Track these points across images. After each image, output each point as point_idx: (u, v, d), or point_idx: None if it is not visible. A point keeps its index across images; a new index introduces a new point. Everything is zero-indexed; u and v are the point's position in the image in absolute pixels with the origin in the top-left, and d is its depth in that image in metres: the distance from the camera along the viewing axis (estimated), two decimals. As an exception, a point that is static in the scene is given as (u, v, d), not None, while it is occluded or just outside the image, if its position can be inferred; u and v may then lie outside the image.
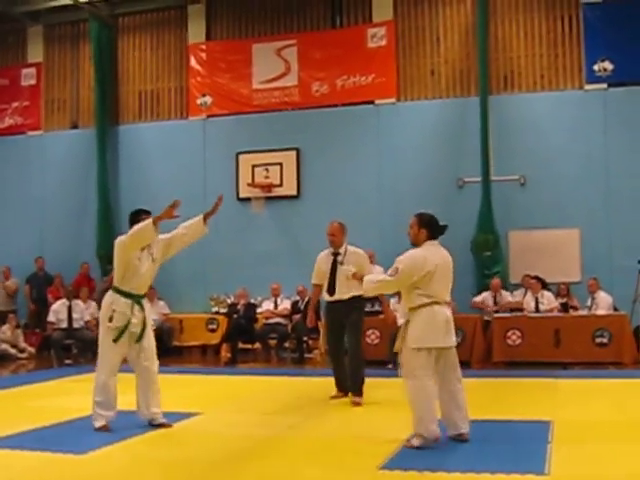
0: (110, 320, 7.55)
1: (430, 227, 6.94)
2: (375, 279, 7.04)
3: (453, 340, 6.94)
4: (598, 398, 9.42)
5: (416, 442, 6.62)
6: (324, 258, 9.54)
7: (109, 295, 7.75)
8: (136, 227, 7.41)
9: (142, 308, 7.70)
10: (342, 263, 9.23)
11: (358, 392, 9.22)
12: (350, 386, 9.35)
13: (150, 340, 7.79)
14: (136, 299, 7.68)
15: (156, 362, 7.84)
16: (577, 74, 15.82)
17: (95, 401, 7.64)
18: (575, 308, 14.09)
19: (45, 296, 17.27)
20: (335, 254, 9.40)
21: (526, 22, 16.12)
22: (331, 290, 9.37)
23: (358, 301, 9.34)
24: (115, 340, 7.56)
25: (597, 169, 15.42)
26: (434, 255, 6.83)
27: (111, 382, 7.67)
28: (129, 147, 18.23)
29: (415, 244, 7.00)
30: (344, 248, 9.43)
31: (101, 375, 7.67)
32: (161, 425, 7.67)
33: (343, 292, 9.24)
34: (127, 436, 7.28)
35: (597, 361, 12.75)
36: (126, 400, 9.46)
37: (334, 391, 9.62)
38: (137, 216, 7.71)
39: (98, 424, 7.57)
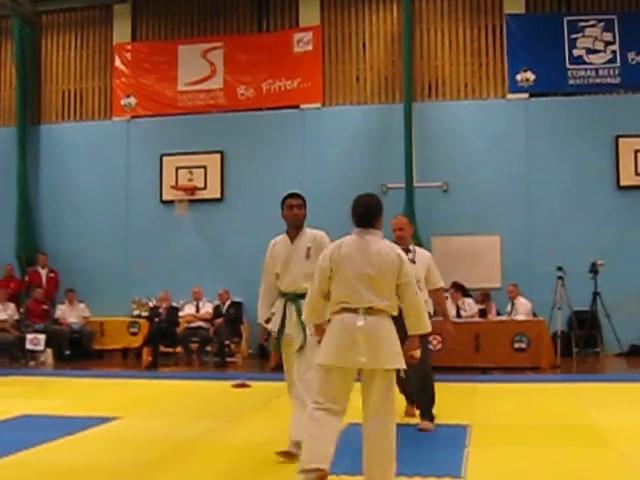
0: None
1: (352, 213, 5.44)
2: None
3: (368, 360, 5.11)
4: (515, 402, 9.56)
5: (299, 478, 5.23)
6: None
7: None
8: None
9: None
10: (414, 262, 7.60)
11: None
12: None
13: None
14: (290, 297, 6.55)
15: None
16: (500, 83, 16.10)
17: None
18: (492, 314, 14.32)
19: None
20: (406, 250, 7.27)
21: (451, 31, 16.36)
22: None
23: None
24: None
25: (518, 177, 15.70)
26: (346, 246, 5.31)
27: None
28: (51, 147, 17.88)
29: None
30: (413, 246, 8.01)
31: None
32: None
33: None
34: (44, 441, 7.13)
35: (516, 366, 12.96)
36: (49, 404, 9.33)
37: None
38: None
39: None
